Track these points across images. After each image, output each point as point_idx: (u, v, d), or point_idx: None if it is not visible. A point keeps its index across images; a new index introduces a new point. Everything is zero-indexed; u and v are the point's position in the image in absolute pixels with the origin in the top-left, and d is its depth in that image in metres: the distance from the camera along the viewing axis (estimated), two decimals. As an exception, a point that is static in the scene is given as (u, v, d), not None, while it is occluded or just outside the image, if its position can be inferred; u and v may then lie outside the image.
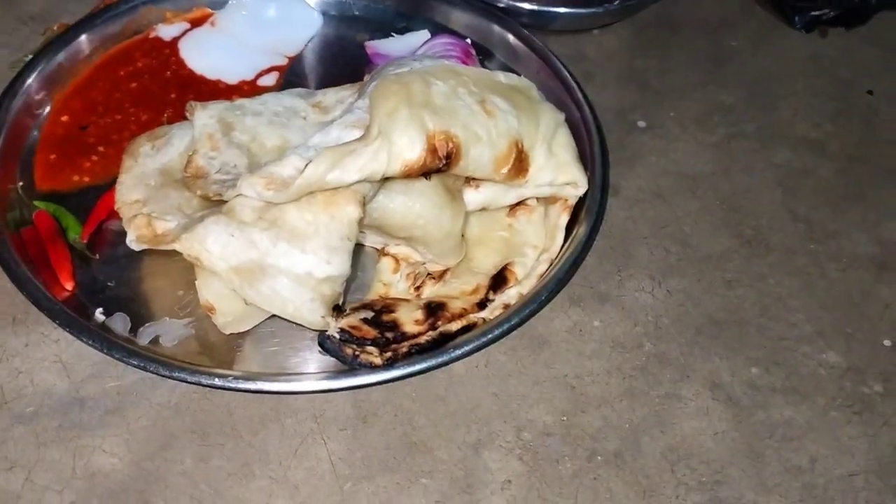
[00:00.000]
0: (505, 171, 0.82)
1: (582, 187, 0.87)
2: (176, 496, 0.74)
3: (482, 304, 0.83)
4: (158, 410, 0.79)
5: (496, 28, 1.07)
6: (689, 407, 0.82)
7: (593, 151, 0.93)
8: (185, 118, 0.89)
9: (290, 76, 1.05)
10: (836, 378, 0.85)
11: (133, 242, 0.81)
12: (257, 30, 1.08)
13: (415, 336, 0.78)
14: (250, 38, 1.07)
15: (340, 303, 0.79)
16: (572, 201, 0.88)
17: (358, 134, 0.78)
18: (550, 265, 0.85)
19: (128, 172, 0.87)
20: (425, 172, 0.79)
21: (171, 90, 1.02)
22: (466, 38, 1.07)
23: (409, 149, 0.76)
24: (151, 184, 0.86)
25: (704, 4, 1.23)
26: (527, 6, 1.11)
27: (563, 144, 0.86)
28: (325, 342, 0.77)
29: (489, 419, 0.80)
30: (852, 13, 1.19)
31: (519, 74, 0.92)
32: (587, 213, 0.88)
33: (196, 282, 0.80)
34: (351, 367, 0.77)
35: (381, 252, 0.88)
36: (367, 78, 0.92)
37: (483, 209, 0.88)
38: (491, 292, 0.84)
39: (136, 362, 0.77)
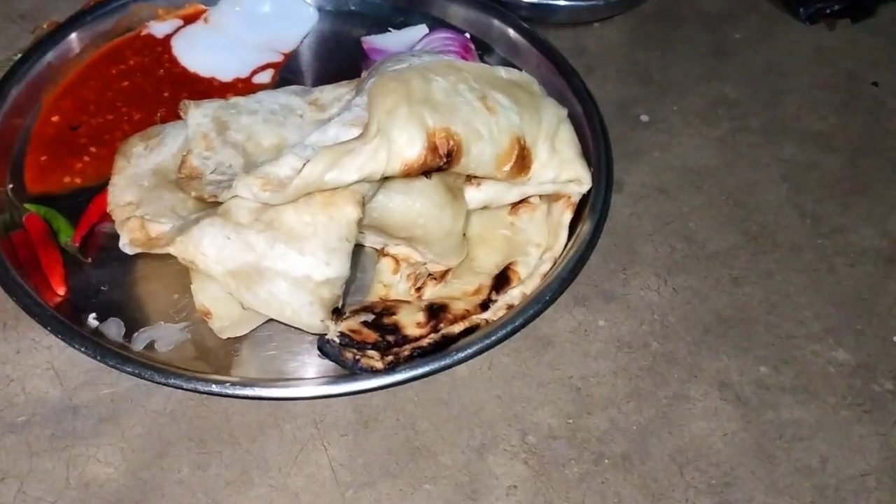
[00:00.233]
0: (507, 168, 0.81)
1: (586, 184, 0.86)
2: (173, 506, 0.73)
3: (485, 305, 0.82)
4: (154, 418, 0.77)
5: (495, 22, 1.06)
6: (697, 407, 0.81)
7: (597, 147, 0.91)
8: (178, 117, 0.88)
9: (286, 73, 1.04)
10: (846, 376, 0.84)
11: (126, 246, 0.80)
12: (252, 26, 1.08)
13: (417, 339, 0.77)
14: (245, 35, 1.07)
15: (340, 305, 0.78)
16: (576, 198, 0.87)
17: (356, 132, 0.77)
18: (554, 264, 0.84)
19: (120, 173, 0.86)
20: (426, 171, 0.77)
21: (164, 89, 1.01)
22: (465, 32, 1.07)
23: (409, 147, 0.75)
24: (145, 185, 0.85)
25: (706, -4, 1.22)
26: (526, -1, 1.10)
27: (566, 140, 0.85)
28: (324, 346, 0.76)
29: (493, 422, 0.79)
30: (858, 4, 1.18)
31: (519, 69, 0.91)
32: (591, 211, 0.87)
33: (191, 285, 0.79)
34: (351, 371, 0.76)
35: (381, 252, 0.87)
36: (364, 74, 0.91)
37: (485, 207, 0.87)
38: (493, 292, 0.83)
39: (130, 369, 0.76)
